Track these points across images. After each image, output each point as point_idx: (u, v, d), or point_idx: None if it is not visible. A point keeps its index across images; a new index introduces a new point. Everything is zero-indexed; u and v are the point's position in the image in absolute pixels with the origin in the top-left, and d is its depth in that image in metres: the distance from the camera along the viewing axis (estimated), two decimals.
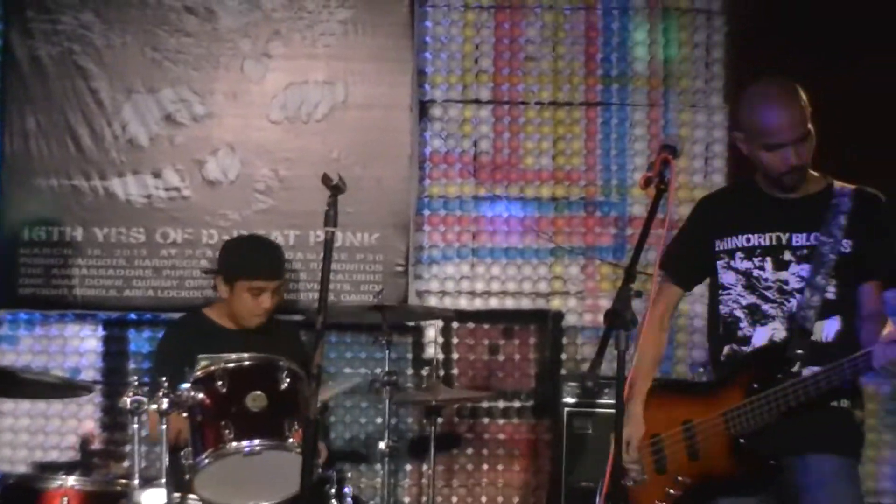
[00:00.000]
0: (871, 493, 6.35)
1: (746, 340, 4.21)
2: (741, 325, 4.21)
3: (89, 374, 6.38)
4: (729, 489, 4.14)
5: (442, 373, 6.40)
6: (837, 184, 4.26)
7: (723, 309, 4.28)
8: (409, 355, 6.48)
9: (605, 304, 5.96)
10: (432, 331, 6.47)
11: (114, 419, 6.37)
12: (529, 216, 6.50)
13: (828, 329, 4.15)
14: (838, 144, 5.49)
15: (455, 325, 6.51)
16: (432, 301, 6.42)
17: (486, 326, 6.52)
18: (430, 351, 6.48)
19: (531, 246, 6.49)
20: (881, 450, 6.42)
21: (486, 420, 6.49)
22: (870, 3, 6.17)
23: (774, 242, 4.21)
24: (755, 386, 4.05)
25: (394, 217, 6.38)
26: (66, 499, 5.03)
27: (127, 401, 4.72)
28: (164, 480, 4.81)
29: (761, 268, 4.22)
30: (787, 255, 4.20)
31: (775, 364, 4.09)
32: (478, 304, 6.50)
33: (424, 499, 6.22)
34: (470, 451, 6.44)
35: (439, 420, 5.99)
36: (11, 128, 6.35)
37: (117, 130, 6.36)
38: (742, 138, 4.23)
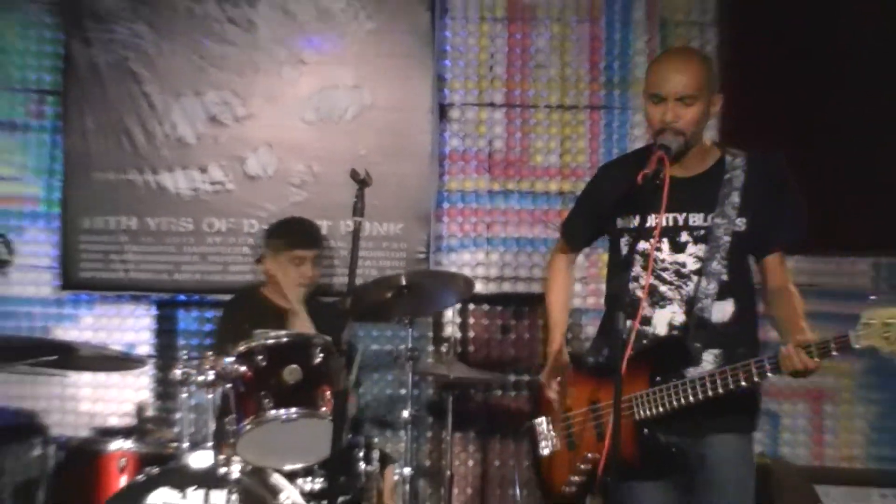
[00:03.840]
0: (846, 459, 6.38)
1: (647, 321, 3.98)
2: (643, 304, 3.92)
3: (143, 350, 6.43)
4: (634, 473, 3.91)
5: (459, 349, 6.41)
6: (729, 154, 4.02)
7: (629, 286, 3.99)
8: (430, 333, 6.48)
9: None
10: (450, 312, 6.47)
11: (165, 389, 6.44)
12: (538, 209, 6.49)
13: (723, 311, 3.95)
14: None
15: (471, 306, 6.50)
16: None
17: (498, 308, 6.52)
18: (449, 330, 6.48)
19: (540, 236, 6.48)
20: (853, 420, 6.41)
21: (498, 392, 6.48)
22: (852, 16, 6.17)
23: (671, 224, 3.96)
24: (658, 378, 3.86)
25: (415, 209, 6.37)
26: (123, 460, 5.24)
27: (177, 373, 4.96)
28: (210, 444, 4.98)
29: (658, 249, 3.97)
30: (684, 237, 3.97)
31: (677, 357, 3.91)
32: (491, 287, 6.49)
33: (443, 462, 6.04)
34: (483, 420, 6.45)
35: (455, 392, 5.86)
36: (72, 127, 6.37)
37: (167, 129, 6.40)
38: (644, 96, 3.99)
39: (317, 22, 6.44)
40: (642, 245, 3.96)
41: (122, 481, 5.18)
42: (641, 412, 3.88)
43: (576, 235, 4.36)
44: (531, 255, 6.51)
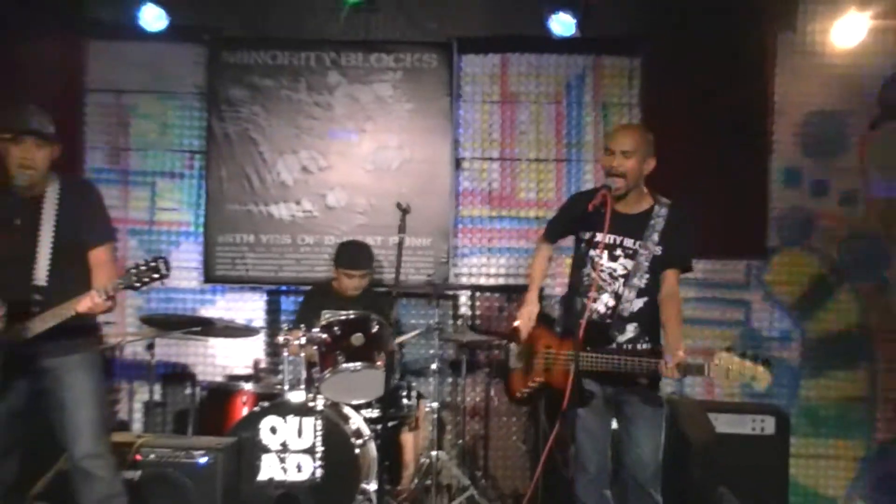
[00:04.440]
0: (728, 395, 6.26)
1: (593, 301, 4.00)
2: (589, 291, 3.94)
3: (258, 323, 6.39)
4: (567, 403, 3.74)
5: (470, 323, 6.38)
6: (658, 204, 4.04)
7: (582, 278, 4.02)
8: (450, 312, 6.43)
9: (565, 280, 5.85)
10: (464, 297, 6.43)
11: (273, 350, 6.39)
12: (522, 228, 6.43)
13: (638, 305, 4.00)
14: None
15: (478, 294, 6.45)
16: (463, 280, 6.41)
17: (496, 295, 6.44)
18: (463, 310, 6.43)
19: (524, 247, 6.40)
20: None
21: (496, 351, 6.05)
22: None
23: (612, 242, 4.01)
24: (587, 348, 3.85)
25: (440, 229, 6.30)
26: (244, 397, 5.39)
27: (280, 339, 5.09)
28: (303, 387, 5.07)
29: (601, 257, 4.01)
30: (619, 252, 4.02)
31: (601, 336, 3.94)
32: (491, 281, 6.44)
33: (459, 399, 6.19)
34: (486, 370, 6.34)
35: (467, 351, 5.93)
36: (211, 175, 6.35)
37: (274, 176, 6.34)
38: (603, 151, 4.09)
39: (373, 104, 6.36)
40: (593, 252, 4.03)
41: (244, 411, 5.24)
42: (574, 365, 3.78)
43: (553, 233, 4.38)
44: (518, 259, 6.43)
